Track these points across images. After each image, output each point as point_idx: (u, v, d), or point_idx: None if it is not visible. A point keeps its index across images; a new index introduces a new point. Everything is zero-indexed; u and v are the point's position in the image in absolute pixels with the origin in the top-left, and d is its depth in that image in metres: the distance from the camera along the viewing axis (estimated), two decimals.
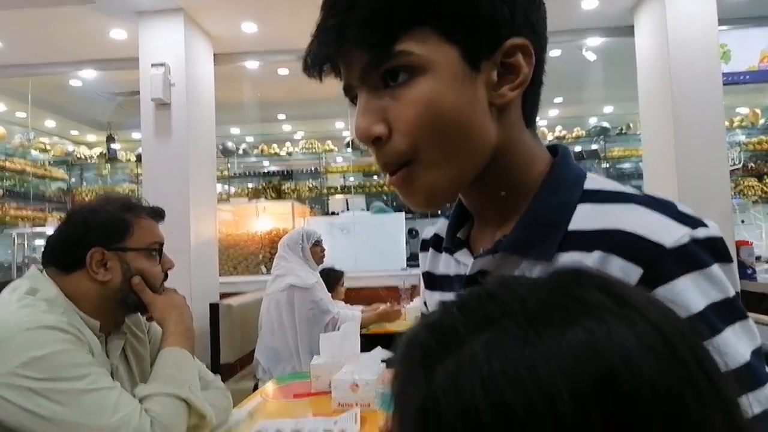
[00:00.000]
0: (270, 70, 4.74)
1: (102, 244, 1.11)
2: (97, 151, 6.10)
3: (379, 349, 1.50)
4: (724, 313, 0.44)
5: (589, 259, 0.48)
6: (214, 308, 2.81)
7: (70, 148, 6.11)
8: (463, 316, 0.32)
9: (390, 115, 0.51)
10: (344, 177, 6.51)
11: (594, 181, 0.54)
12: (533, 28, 0.52)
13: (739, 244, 3.12)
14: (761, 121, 5.53)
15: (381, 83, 0.51)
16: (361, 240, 4.41)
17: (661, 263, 0.45)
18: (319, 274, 2.85)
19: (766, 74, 3.68)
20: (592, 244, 0.48)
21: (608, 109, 6.41)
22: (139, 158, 5.30)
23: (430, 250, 0.70)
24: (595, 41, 4.04)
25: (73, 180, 6.16)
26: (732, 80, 3.61)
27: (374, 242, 4.39)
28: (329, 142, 6.30)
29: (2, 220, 4.74)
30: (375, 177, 6.56)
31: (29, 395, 0.93)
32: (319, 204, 6.19)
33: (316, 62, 0.52)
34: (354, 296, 3.62)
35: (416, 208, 0.55)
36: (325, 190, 6.17)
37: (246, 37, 3.91)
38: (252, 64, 4.39)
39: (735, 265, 0.47)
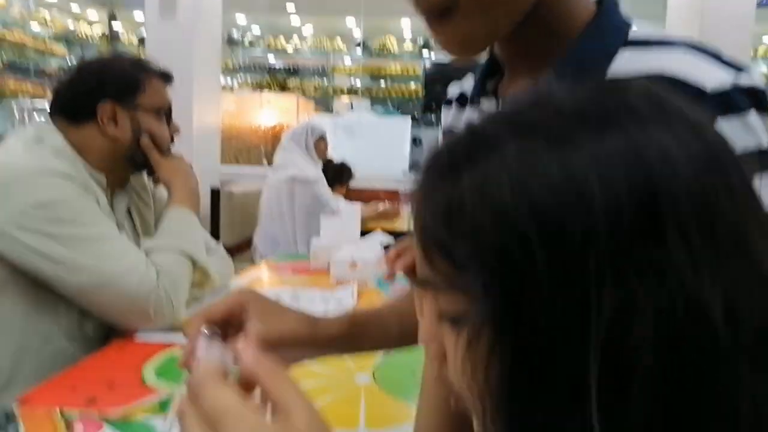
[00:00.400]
0: None
1: (114, 99, 1.09)
2: (98, 29, 5.89)
3: (379, 231, 1.52)
4: (755, 160, 0.44)
5: None
6: (215, 193, 2.83)
7: (71, 24, 5.88)
8: (493, 123, 0.31)
9: None
10: (351, 79, 6.34)
11: (638, 30, 0.52)
12: None
13: None
14: None
15: None
16: (364, 141, 4.36)
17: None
18: (321, 169, 2.85)
19: None
20: None
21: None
22: (141, 41, 5.12)
23: (454, 105, 0.68)
24: None
25: (73, 58, 5.99)
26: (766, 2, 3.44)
27: (378, 145, 4.35)
28: (339, 38, 6.08)
29: (2, 92, 4.65)
30: (382, 82, 6.40)
31: (40, 237, 0.95)
32: (323, 105, 6.08)
33: None
34: (354, 197, 3.64)
35: (453, 54, 0.53)
36: (330, 90, 6.03)
37: None
38: None
39: None
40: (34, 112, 4.41)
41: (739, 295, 0.27)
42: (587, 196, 0.26)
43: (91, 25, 6.01)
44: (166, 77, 1.19)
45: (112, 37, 5.69)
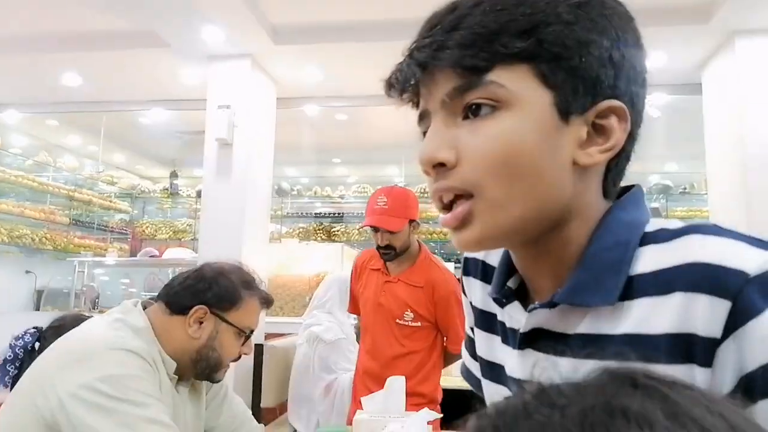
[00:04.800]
0: (329, 115, 4.86)
1: (210, 305, 1.17)
2: (160, 185, 6.36)
3: (426, 410, 1.42)
4: None
5: (670, 304, 0.44)
6: (258, 349, 2.79)
7: (136, 181, 6.38)
8: None
9: (462, 145, 0.48)
10: None
11: (655, 223, 0.50)
12: (632, 100, 0.50)
13: None
14: None
15: (461, 113, 0.48)
16: None
17: (747, 293, 0.41)
18: (353, 326, 2.82)
19: None
20: (669, 286, 0.45)
21: (671, 167, 6.21)
22: (198, 194, 5.48)
23: (480, 282, 0.65)
24: (661, 98, 3.94)
25: (135, 212, 6.41)
26: None
27: None
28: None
29: (66, 248, 4.95)
30: (425, 224, 6.53)
31: (95, 412, 0.96)
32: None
33: (401, 79, 0.50)
34: None
35: (464, 248, 0.51)
36: None
37: (309, 82, 4.04)
38: (312, 109, 4.52)
39: None
40: (94, 270, 4.66)
41: None
42: None
43: (155, 183, 6.51)
44: (266, 303, 1.28)
45: (172, 192, 6.12)
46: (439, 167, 0.49)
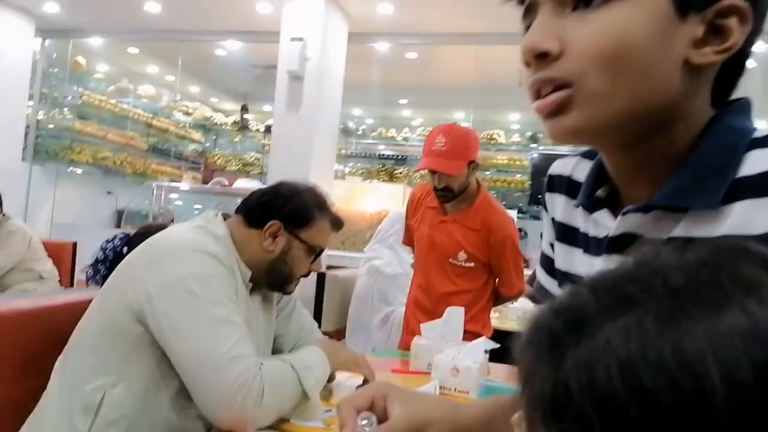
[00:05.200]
0: (398, 53, 4.79)
1: (284, 221, 1.22)
2: (232, 118, 6.54)
3: (484, 338, 1.46)
4: None
5: None
6: (320, 277, 2.90)
7: (209, 113, 6.59)
8: (595, 296, 0.29)
9: (569, 36, 0.46)
10: None
11: (763, 130, 0.49)
12: (756, 3, 0.46)
13: None
14: None
15: (571, 3, 0.47)
16: None
17: None
18: (411, 264, 2.85)
19: None
20: None
21: (762, 125, 5.78)
22: (267, 129, 5.60)
23: (564, 197, 0.64)
24: (757, 46, 3.63)
25: (207, 144, 6.65)
26: None
27: None
28: None
29: (145, 172, 5.23)
30: (488, 172, 6.44)
31: (179, 303, 1.03)
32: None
33: None
34: None
35: (555, 139, 0.50)
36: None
37: (381, 18, 3.97)
38: (382, 46, 4.46)
39: None
40: (169, 195, 4.91)
41: None
42: (705, 383, 0.24)
43: (227, 116, 6.70)
44: (337, 224, 1.32)
45: (243, 126, 6.29)
46: (540, 58, 0.47)
